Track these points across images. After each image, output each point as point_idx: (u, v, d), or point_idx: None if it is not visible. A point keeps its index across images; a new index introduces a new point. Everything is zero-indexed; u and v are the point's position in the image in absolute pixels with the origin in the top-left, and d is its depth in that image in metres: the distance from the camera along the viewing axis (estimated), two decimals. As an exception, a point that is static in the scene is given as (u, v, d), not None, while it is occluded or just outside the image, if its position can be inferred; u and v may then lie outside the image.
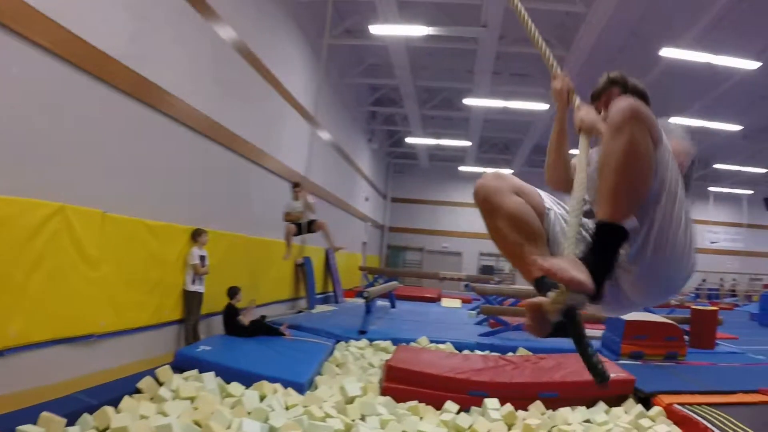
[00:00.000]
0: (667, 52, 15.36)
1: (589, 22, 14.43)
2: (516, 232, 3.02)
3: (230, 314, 10.11)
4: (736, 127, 22.54)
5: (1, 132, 5.95)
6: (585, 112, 3.28)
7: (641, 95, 3.36)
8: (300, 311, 15.73)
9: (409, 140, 29.20)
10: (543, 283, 2.77)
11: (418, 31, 15.77)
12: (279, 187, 14.26)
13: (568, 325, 2.58)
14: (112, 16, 7.62)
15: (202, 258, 9.91)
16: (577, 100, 3.42)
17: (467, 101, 21.51)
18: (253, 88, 12.51)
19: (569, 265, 2.43)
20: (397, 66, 18.66)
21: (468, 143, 28.35)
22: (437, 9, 15.80)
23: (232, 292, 10.38)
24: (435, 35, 16.10)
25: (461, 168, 34.31)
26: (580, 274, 2.40)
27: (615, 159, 2.51)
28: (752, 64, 15.80)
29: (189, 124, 9.62)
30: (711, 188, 32.71)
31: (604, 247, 2.52)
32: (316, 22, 16.09)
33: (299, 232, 12.81)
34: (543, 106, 20.96)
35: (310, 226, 12.82)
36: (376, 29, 15.86)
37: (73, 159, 7.11)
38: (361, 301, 19.69)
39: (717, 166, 29.85)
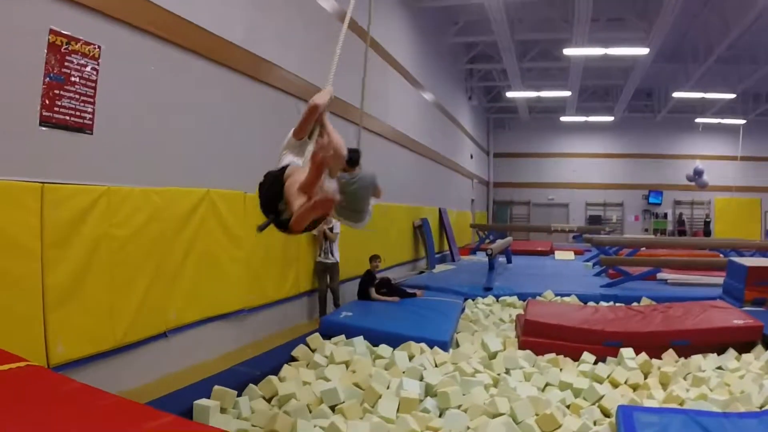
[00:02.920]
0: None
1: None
2: None
3: (370, 280, 10.49)
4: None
5: (145, 128, 6.38)
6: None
7: None
8: (422, 272, 16.12)
9: (509, 94, 29.06)
10: None
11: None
12: (391, 151, 14.57)
13: None
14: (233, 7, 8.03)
15: (331, 228, 10.30)
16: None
17: (566, 51, 21.27)
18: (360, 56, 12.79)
19: None
20: (494, 21, 18.57)
21: (568, 93, 28.06)
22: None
23: (373, 258, 10.79)
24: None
25: (562, 118, 33.97)
26: None
27: None
28: None
29: (304, 97, 9.80)
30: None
31: None
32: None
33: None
34: (643, 50, 20.60)
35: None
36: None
37: (212, 147, 7.57)
38: (476, 258, 20.10)
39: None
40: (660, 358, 7.78)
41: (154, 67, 6.45)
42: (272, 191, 4.63)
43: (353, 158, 5.83)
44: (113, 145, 5.85)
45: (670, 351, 7.91)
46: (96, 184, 5.55)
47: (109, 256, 5.67)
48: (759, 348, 8.08)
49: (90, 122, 5.54)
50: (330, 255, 10.37)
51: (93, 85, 5.56)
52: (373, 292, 10.32)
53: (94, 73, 5.57)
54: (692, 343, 8.08)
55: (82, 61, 5.43)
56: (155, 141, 6.49)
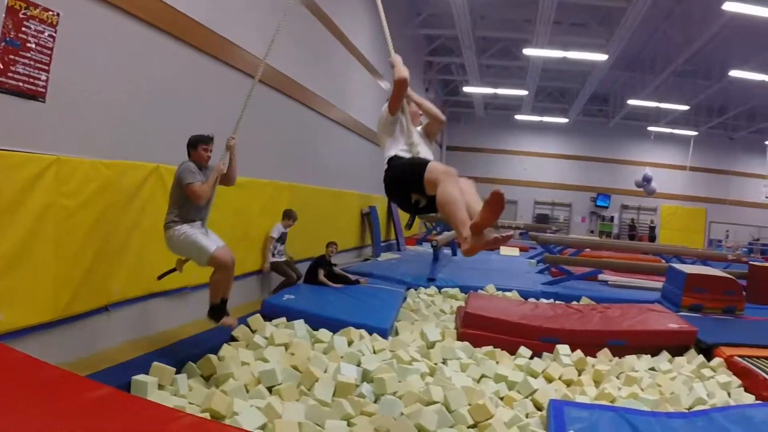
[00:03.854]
0: (731, 6, 15.18)
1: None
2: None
3: (321, 264, 10.59)
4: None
5: (101, 100, 6.32)
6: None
7: None
8: (366, 259, 16.16)
9: (466, 89, 29.28)
10: None
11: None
12: (346, 139, 14.62)
13: None
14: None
15: (283, 236, 10.40)
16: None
17: (526, 51, 21.52)
18: (322, 42, 12.81)
19: None
20: (457, 15, 18.67)
21: (524, 92, 28.36)
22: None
23: (330, 244, 10.90)
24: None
25: (517, 116, 34.34)
26: None
27: None
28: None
29: (263, 80, 9.74)
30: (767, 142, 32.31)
31: None
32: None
33: None
34: (602, 57, 20.93)
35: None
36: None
37: (166, 123, 7.51)
38: (421, 248, 20.25)
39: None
40: (595, 357, 7.95)
41: (112, 38, 6.39)
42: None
43: None
44: (65, 115, 5.79)
45: (605, 350, 8.09)
46: (46, 153, 5.51)
47: (56, 226, 5.62)
48: (692, 352, 8.29)
49: (43, 90, 5.49)
50: (283, 255, 10.48)
51: (49, 52, 5.50)
52: (321, 274, 10.40)
53: (51, 40, 5.51)
54: (628, 344, 8.29)
55: (40, 27, 5.38)
56: (108, 113, 6.41)
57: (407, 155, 5.39)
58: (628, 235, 34.99)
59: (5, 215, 5.08)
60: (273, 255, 10.32)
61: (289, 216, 10.45)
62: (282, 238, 10.41)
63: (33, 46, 5.32)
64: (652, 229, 35.05)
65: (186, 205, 6.27)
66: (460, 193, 4.59)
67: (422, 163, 4.91)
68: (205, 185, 6.24)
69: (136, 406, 3.91)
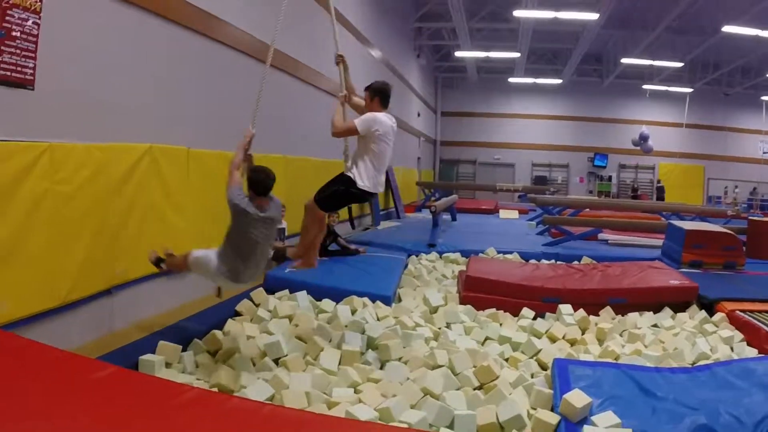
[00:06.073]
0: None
1: None
2: None
3: (327, 235, 10.50)
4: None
5: (88, 83, 6.22)
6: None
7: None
8: (366, 228, 16.16)
9: (458, 54, 29.12)
10: None
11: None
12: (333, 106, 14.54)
13: None
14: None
15: (280, 231, 10.34)
16: None
17: (517, 13, 21.34)
18: (305, 9, 12.67)
19: None
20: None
21: (517, 55, 28.18)
22: None
23: (330, 214, 10.75)
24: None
25: (511, 79, 34.17)
26: None
27: None
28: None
29: (248, 52, 9.66)
30: (764, 97, 32.15)
31: None
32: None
33: None
34: (593, 16, 20.77)
35: None
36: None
37: (157, 102, 7.44)
38: (420, 215, 20.26)
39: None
40: (598, 315, 8.00)
41: (98, 21, 6.33)
42: None
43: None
44: (55, 101, 5.74)
45: (608, 308, 8.16)
46: (38, 141, 5.48)
47: (52, 213, 5.60)
48: (694, 308, 8.36)
49: (31, 78, 5.44)
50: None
51: (34, 39, 5.45)
52: (340, 241, 10.59)
53: (36, 27, 5.46)
54: (629, 302, 8.35)
55: (24, 15, 5.31)
56: (98, 96, 6.34)
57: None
58: (631, 197, 34.40)
59: (0, 205, 5.06)
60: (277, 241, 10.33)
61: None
62: (280, 233, 10.37)
63: (18, 34, 5.26)
64: (660, 189, 34.05)
65: None
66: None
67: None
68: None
69: (144, 382, 3.93)
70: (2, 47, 5.12)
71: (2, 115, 5.17)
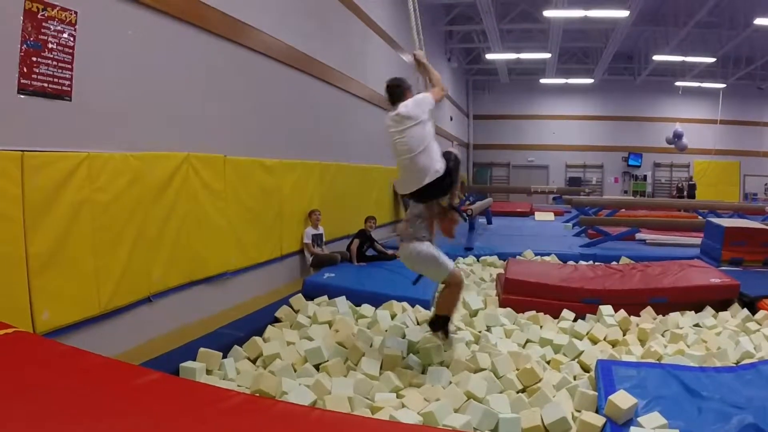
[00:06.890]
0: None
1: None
2: None
3: (365, 239, 10.72)
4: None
5: (123, 93, 6.29)
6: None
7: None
8: (403, 234, 16.15)
9: (489, 56, 29.00)
10: None
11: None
12: (372, 114, 14.55)
13: None
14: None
15: (317, 237, 10.42)
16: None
17: (547, 13, 21.23)
18: (337, 16, 12.71)
19: None
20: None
21: (547, 55, 28.02)
22: None
23: (369, 219, 11.06)
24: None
25: (542, 80, 33.97)
26: None
27: None
28: None
29: (283, 60, 9.80)
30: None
31: None
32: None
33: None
34: (623, 13, 20.61)
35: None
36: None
37: (191, 111, 7.50)
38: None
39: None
40: (638, 315, 7.93)
41: (132, 31, 6.39)
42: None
43: None
44: (92, 111, 5.81)
45: (648, 308, 8.09)
46: (76, 151, 5.54)
47: (91, 221, 5.68)
48: (735, 306, 8.24)
49: (68, 89, 5.52)
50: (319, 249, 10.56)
51: (70, 51, 5.52)
52: (355, 245, 10.54)
53: (71, 39, 5.53)
54: (670, 301, 8.26)
55: (59, 27, 5.39)
56: (134, 106, 6.42)
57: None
58: (677, 198, 33.36)
59: (41, 215, 5.13)
60: (315, 247, 10.45)
61: (311, 216, 10.50)
62: (317, 239, 10.45)
63: (54, 46, 5.34)
64: (692, 186, 33.23)
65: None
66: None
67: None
68: None
69: (190, 388, 3.94)
70: (39, 59, 5.19)
71: (41, 126, 5.25)
